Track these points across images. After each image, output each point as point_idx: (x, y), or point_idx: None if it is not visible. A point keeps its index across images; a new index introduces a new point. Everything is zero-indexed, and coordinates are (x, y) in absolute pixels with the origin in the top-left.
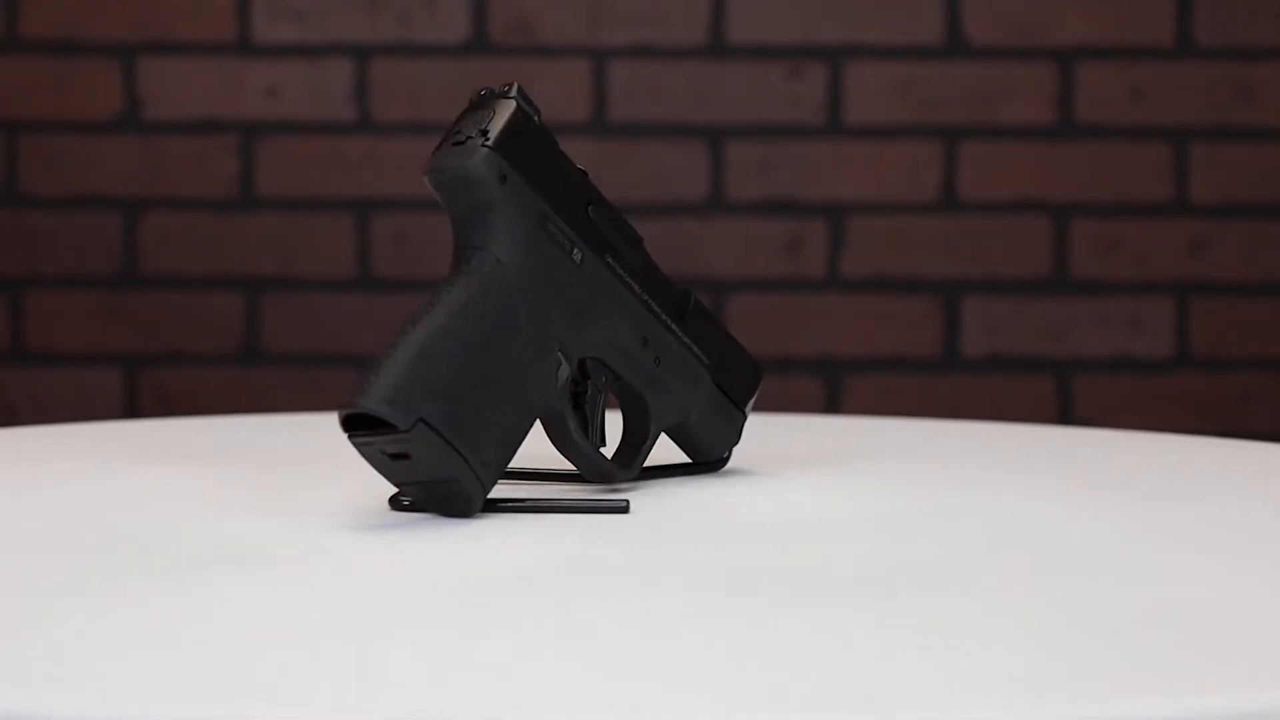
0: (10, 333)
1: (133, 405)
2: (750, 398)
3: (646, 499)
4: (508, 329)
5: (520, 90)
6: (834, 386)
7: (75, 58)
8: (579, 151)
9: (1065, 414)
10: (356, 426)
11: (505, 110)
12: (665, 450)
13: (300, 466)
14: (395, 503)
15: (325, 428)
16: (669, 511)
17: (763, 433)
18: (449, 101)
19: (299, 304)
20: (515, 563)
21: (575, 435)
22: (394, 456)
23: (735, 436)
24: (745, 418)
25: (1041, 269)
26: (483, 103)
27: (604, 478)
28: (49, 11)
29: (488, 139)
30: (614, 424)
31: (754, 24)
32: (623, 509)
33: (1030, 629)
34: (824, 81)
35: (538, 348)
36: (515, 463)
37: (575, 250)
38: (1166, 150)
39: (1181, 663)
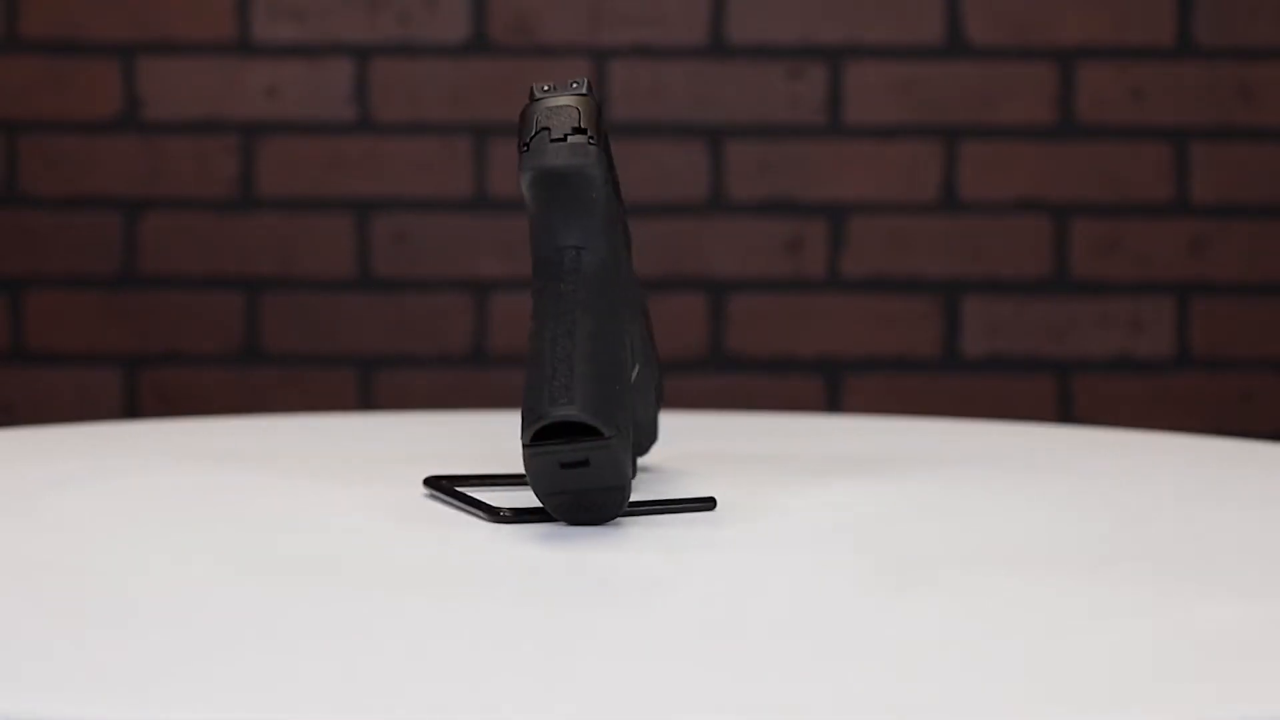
0: (10, 333)
1: (133, 405)
2: (662, 394)
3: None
4: (621, 332)
5: (591, 87)
6: (834, 387)
7: (75, 58)
8: None
9: (1065, 414)
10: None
11: (592, 108)
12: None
13: (326, 467)
14: (501, 517)
15: (331, 428)
16: (731, 512)
17: (769, 433)
18: (449, 101)
19: (299, 304)
20: (696, 564)
21: None
22: (568, 465)
23: (656, 433)
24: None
25: (1041, 269)
26: (553, 99)
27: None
28: (49, 11)
29: (593, 138)
30: None
31: (754, 24)
32: (710, 506)
33: (1034, 631)
34: (824, 81)
35: (630, 350)
36: (498, 469)
37: (625, 252)
38: (1166, 150)
39: (1187, 667)
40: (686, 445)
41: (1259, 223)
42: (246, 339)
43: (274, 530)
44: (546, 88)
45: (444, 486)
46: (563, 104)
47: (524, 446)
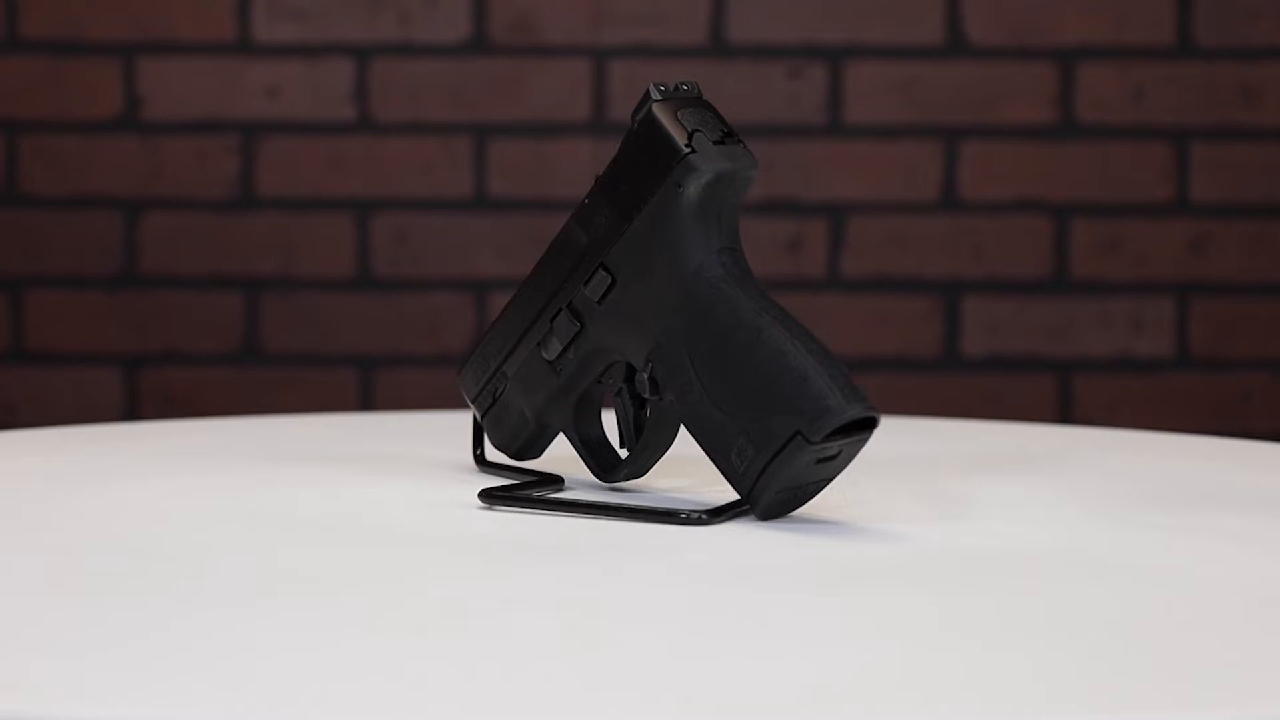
0: (10, 333)
1: (133, 405)
2: None
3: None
4: None
5: (700, 90)
6: None
7: (75, 58)
8: (579, 151)
9: (1065, 414)
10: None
11: (717, 112)
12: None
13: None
14: (692, 519)
15: (336, 428)
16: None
17: None
18: (449, 101)
19: (299, 304)
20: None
21: None
22: (823, 460)
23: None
24: None
25: (1041, 269)
26: (680, 100)
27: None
28: (49, 11)
29: (741, 141)
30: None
31: (754, 24)
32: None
33: (1040, 635)
34: (824, 81)
35: None
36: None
37: None
38: (1166, 150)
39: (1187, 671)
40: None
41: (1259, 223)
42: (246, 339)
43: (299, 534)
44: (664, 88)
45: (540, 497)
46: (700, 107)
47: (808, 443)
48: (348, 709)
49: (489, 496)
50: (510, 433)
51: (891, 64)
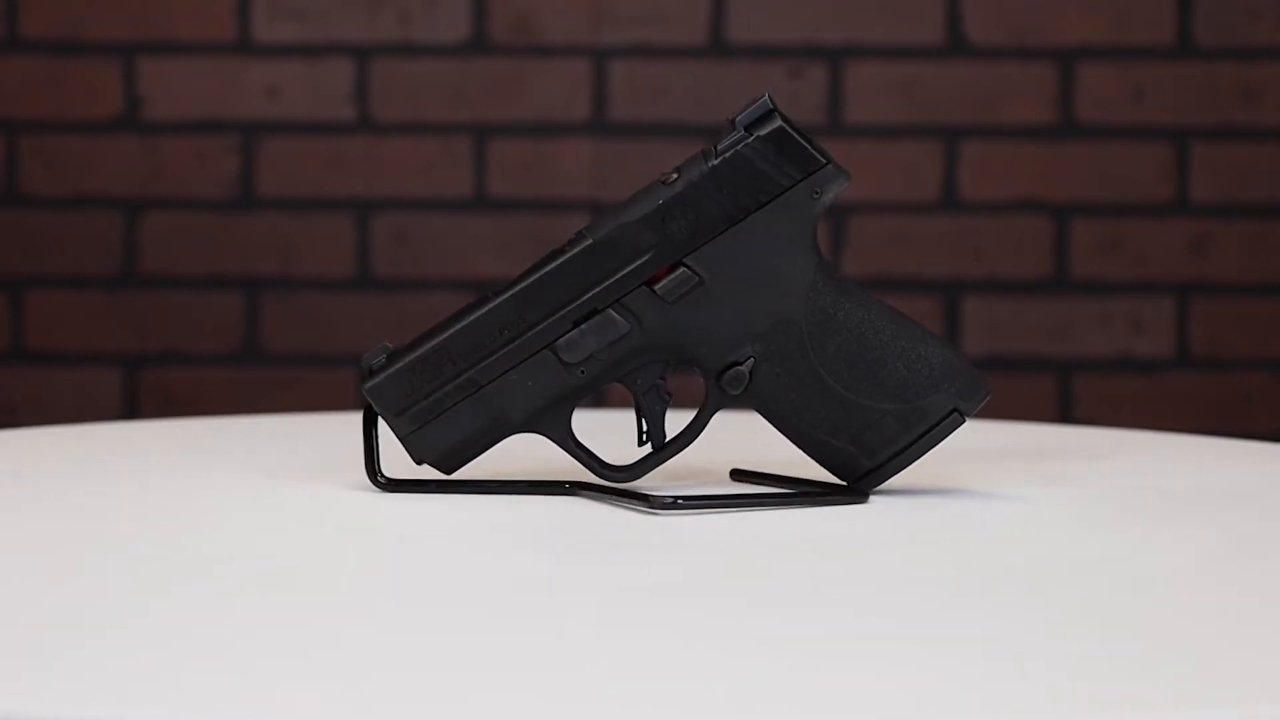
0: (10, 333)
1: (133, 405)
2: None
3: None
4: None
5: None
6: None
7: (75, 58)
8: (579, 151)
9: (1065, 414)
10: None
11: None
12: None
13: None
14: (856, 494)
15: (332, 428)
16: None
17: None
18: (449, 101)
19: (299, 304)
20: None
21: None
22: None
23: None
24: None
25: (1041, 269)
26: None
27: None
28: (49, 11)
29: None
30: (610, 421)
31: (754, 24)
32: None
33: (1036, 639)
34: (824, 81)
35: None
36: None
37: None
38: (1166, 150)
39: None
40: (721, 449)
41: (1258, 223)
42: (246, 339)
43: (299, 534)
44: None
45: (685, 501)
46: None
47: (963, 417)
48: (362, 713)
49: (666, 505)
50: (458, 444)
51: (891, 64)
